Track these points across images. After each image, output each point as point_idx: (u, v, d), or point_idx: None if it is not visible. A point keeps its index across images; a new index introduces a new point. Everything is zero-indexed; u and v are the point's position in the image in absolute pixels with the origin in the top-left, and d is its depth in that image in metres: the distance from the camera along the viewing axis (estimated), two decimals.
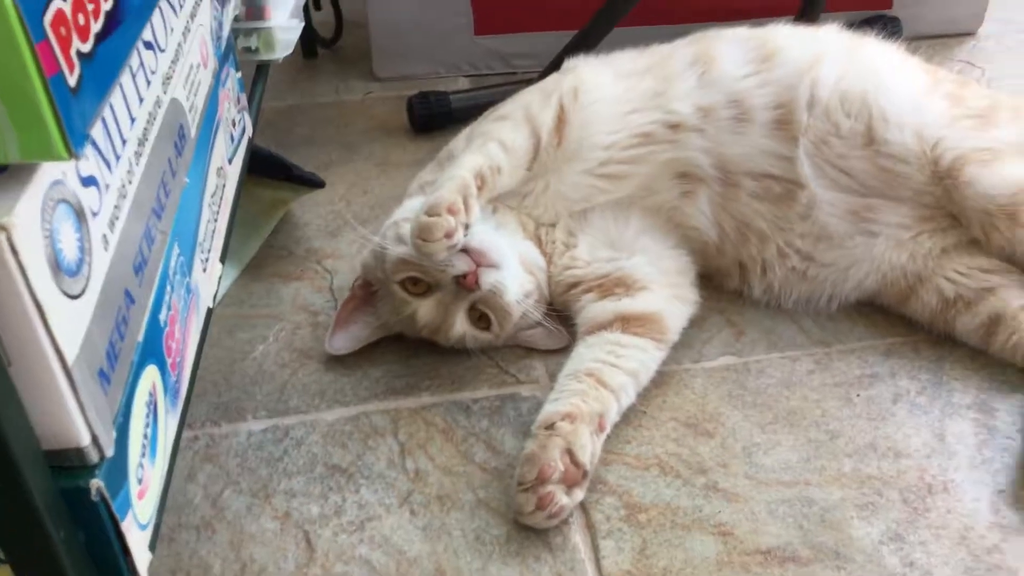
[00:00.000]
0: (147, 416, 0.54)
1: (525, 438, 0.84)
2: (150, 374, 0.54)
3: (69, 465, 0.46)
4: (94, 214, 0.48)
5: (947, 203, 0.96)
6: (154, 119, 0.60)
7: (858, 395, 0.90)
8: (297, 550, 0.76)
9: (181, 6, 0.69)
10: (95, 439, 0.46)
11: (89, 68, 0.45)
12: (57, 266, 0.43)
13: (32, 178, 0.41)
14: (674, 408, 0.89)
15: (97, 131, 0.49)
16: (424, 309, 0.91)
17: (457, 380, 0.94)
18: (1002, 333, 0.91)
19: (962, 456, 0.82)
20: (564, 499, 0.76)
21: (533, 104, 1.01)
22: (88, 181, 0.47)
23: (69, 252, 0.44)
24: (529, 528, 0.77)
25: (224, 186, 0.81)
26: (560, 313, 0.99)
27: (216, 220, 0.77)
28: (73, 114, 0.41)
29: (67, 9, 0.42)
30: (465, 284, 0.88)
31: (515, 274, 0.92)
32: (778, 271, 1.00)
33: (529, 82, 1.12)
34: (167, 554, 0.75)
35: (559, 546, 0.76)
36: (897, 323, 0.99)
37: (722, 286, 1.04)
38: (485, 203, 0.94)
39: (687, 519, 0.78)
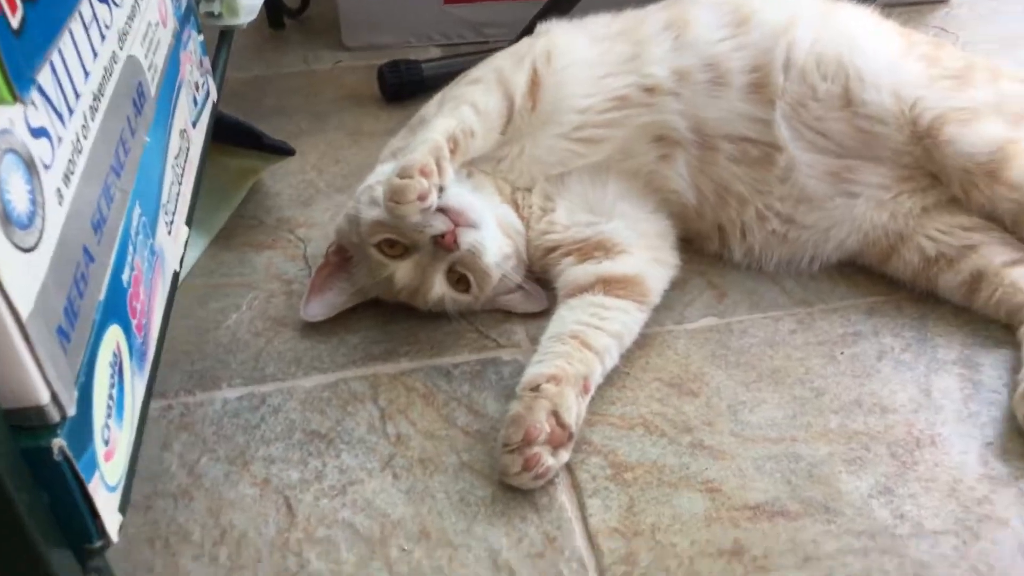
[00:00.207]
0: (112, 377, 0.51)
1: (507, 402, 0.83)
2: (113, 334, 0.52)
3: (29, 425, 0.44)
4: (46, 167, 0.46)
5: (927, 162, 0.96)
6: (110, 75, 0.58)
7: (842, 353, 0.90)
8: (278, 515, 0.74)
9: None
10: (55, 397, 0.44)
11: (33, 11, 0.43)
12: (6, 217, 0.40)
13: None
14: (657, 369, 0.88)
15: (48, 82, 0.47)
16: (402, 271, 0.89)
17: (436, 345, 0.92)
18: (985, 290, 0.91)
19: (948, 410, 0.82)
20: (550, 460, 0.75)
21: (505, 67, 0.99)
22: (39, 132, 0.45)
23: (19, 204, 0.42)
24: (514, 489, 0.76)
25: (188, 149, 0.79)
26: (539, 277, 0.97)
27: (181, 183, 0.74)
28: (16, 56, 0.39)
29: None
30: (444, 244, 0.86)
31: (493, 235, 0.90)
32: (758, 234, 0.99)
33: (501, 50, 1.10)
34: (144, 522, 0.73)
35: (545, 506, 0.75)
36: (879, 282, 0.99)
37: (702, 250, 1.03)
38: (459, 167, 0.92)
39: (674, 477, 0.77)
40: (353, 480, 0.77)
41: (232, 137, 1.07)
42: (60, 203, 0.46)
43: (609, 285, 0.90)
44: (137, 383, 0.57)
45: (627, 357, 0.88)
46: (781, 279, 1.00)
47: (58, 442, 0.44)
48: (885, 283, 0.98)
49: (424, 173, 0.83)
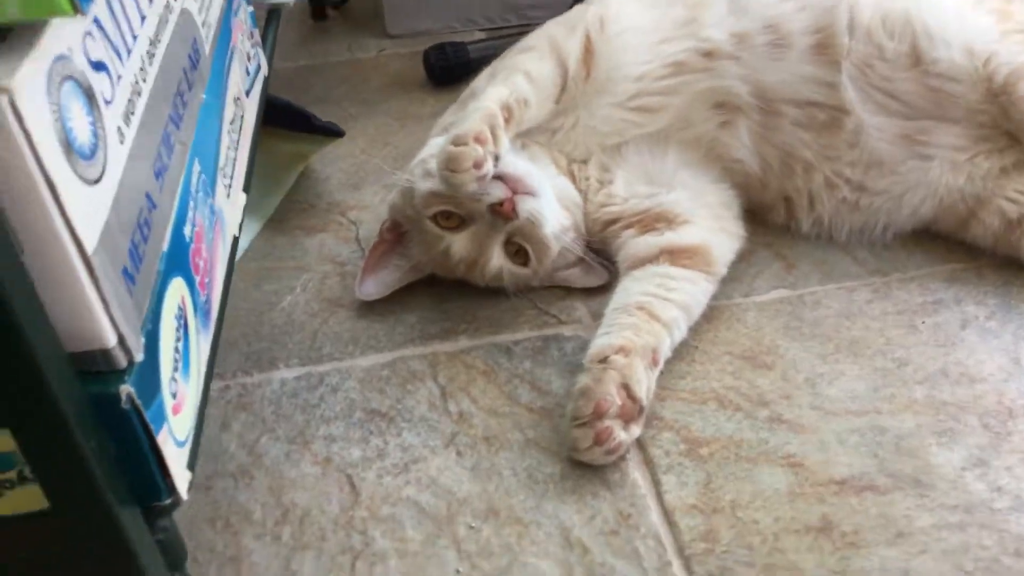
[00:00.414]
0: (178, 330, 0.49)
1: (572, 378, 0.80)
2: (178, 287, 0.50)
3: (96, 370, 0.41)
4: (107, 102, 0.44)
5: (1003, 121, 0.90)
6: (165, 23, 0.56)
7: (923, 322, 0.85)
8: (341, 493, 0.71)
9: None
10: (122, 340, 0.41)
11: None
12: (69, 146, 0.38)
13: (35, 46, 0.37)
14: (727, 342, 0.84)
15: (105, 17, 0.46)
16: (459, 244, 0.86)
17: (495, 323, 0.89)
18: None
19: None
20: (622, 434, 0.71)
21: (558, 35, 0.96)
22: (98, 66, 0.43)
23: (81, 133, 0.40)
24: (584, 465, 0.72)
25: (243, 117, 0.77)
26: (598, 250, 0.94)
27: (237, 149, 0.72)
28: None
29: None
30: (502, 212, 0.83)
31: (552, 205, 0.87)
32: (827, 203, 0.95)
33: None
34: (205, 502, 0.71)
35: (617, 483, 0.71)
36: (956, 249, 0.94)
37: (767, 222, 0.99)
38: (513, 138, 0.89)
39: (752, 452, 0.73)
40: (416, 458, 0.74)
41: (282, 119, 1.06)
42: (121, 142, 0.44)
43: (674, 255, 0.87)
44: (202, 341, 0.55)
45: (695, 330, 0.84)
46: (852, 249, 0.95)
47: (126, 388, 0.41)
48: (964, 250, 0.93)
49: (479, 140, 0.81)
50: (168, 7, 0.56)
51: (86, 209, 0.40)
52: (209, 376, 0.56)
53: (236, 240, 0.68)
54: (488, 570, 0.65)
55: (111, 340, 0.41)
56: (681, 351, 0.82)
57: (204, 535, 0.69)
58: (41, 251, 0.38)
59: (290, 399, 0.81)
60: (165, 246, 0.49)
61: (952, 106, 0.91)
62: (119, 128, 0.45)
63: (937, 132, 0.92)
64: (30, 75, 0.37)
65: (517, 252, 0.88)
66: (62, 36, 0.40)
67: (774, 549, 0.65)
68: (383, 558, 0.66)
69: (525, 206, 0.84)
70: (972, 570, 0.63)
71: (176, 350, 0.49)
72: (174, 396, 0.48)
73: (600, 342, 0.77)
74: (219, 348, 0.62)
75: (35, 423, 0.39)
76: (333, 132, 1.09)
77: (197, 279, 0.54)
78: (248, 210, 0.81)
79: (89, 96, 0.42)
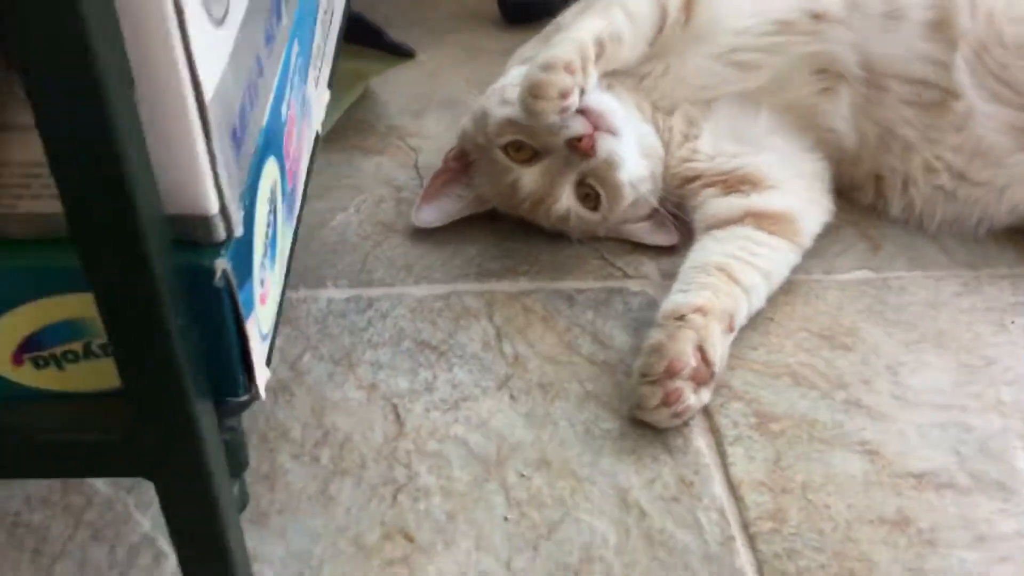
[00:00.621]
0: (269, 214, 0.44)
1: (636, 334, 0.76)
2: (272, 168, 0.45)
3: (191, 239, 0.36)
4: None
5: None
6: None
7: (1012, 322, 0.79)
8: (385, 423, 0.67)
9: None
10: (223, 209, 0.36)
11: None
12: None
13: None
14: (805, 318, 0.79)
15: None
16: (528, 177, 0.81)
17: (558, 268, 0.84)
18: None
19: None
20: (692, 398, 0.67)
21: None
22: None
23: None
24: (644, 426, 0.68)
25: (332, 13, 0.71)
26: (673, 210, 0.88)
27: (326, 43, 0.67)
28: None
29: None
30: (580, 148, 0.77)
31: (632, 149, 0.82)
32: (922, 187, 0.89)
33: None
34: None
35: (679, 448, 0.67)
36: None
37: (854, 200, 0.93)
38: (600, 76, 0.83)
39: (827, 433, 0.68)
40: (466, 396, 0.70)
41: (352, 33, 1.00)
42: None
43: (760, 219, 0.81)
44: (287, 231, 0.50)
45: (772, 301, 0.79)
46: (942, 237, 0.89)
47: (222, 263, 0.36)
48: None
49: (569, 70, 0.75)
50: None
51: (208, 50, 0.34)
52: (288, 272, 0.51)
53: (318, 137, 0.62)
54: (538, 520, 0.61)
55: (214, 207, 0.35)
56: (756, 321, 0.77)
57: None
58: (155, 88, 0.32)
59: (337, 319, 0.76)
60: (264, 121, 0.44)
61: None
62: None
63: None
64: None
65: (588, 195, 0.83)
66: None
67: (846, 538, 0.60)
68: (427, 494, 0.62)
69: (605, 145, 0.79)
70: None
71: (267, 236, 0.44)
72: (262, 284, 0.43)
73: (677, 299, 0.72)
74: None
75: (126, 289, 0.33)
76: (404, 51, 1.04)
77: (287, 166, 0.49)
78: None
79: None
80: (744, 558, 0.59)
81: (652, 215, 0.87)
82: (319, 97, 0.63)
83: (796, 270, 0.83)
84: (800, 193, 0.86)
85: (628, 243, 0.88)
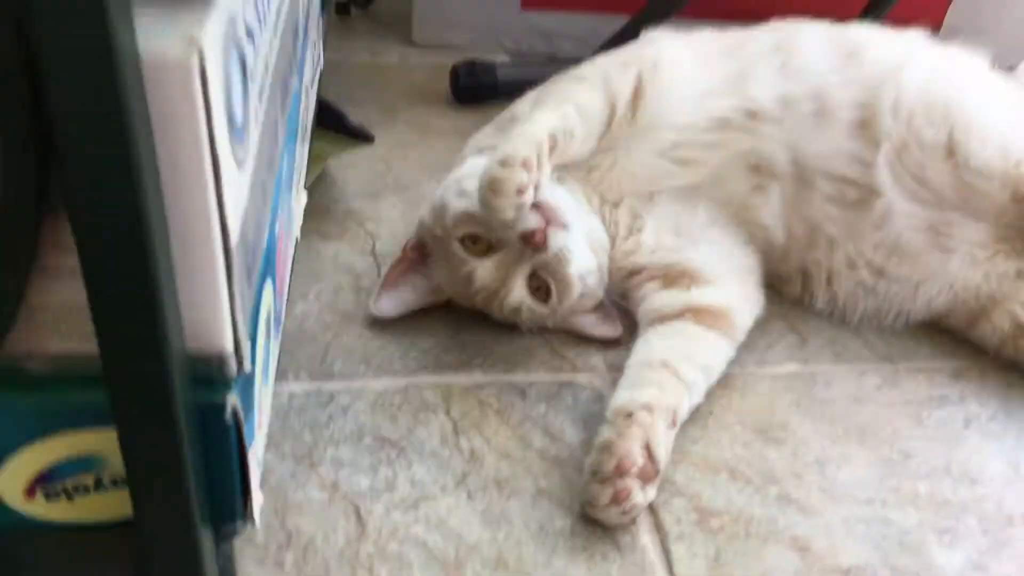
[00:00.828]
0: (266, 338, 0.47)
1: (585, 428, 0.80)
2: (268, 292, 0.48)
3: (206, 376, 0.39)
4: (252, 76, 0.41)
5: None
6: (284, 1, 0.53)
7: (928, 416, 0.86)
8: (347, 524, 0.69)
9: None
10: (237, 346, 0.39)
11: None
12: (232, 121, 0.35)
13: (213, 3, 0.34)
14: (741, 411, 0.85)
15: None
16: (482, 270, 0.85)
17: (510, 360, 0.88)
18: None
19: None
20: (639, 495, 0.71)
21: (612, 71, 0.95)
22: (249, 34, 0.39)
23: (238, 108, 0.36)
24: (594, 522, 0.72)
25: (309, 108, 0.74)
26: (617, 301, 0.93)
27: (304, 142, 0.69)
28: None
29: None
30: (532, 242, 0.82)
31: (582, 245, 0.87)
32: (844, 282, 0.96)
33: (573, 62, 1.05)
34: None
35: (628, 546, 0.71)
36: (962, 345, 0.96)
37: (783, 293, 1.00)
38: (551, 169, 0.88)
39: (762, 529, 0.73)
40: (426, 495, 0.73)
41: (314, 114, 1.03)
42: (256, 124, 0.42)
43: (699, 314, 0.87)
44: (274, 348, 0.52)
45: (710, 394, 0.84)
46: (864, 331, 0.97)
47: (232, 399, 0.39)
48: (968, 347, 0.95)
49: (526, 166, 0.79)
50: None
51: (235, 195, 0.36)
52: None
53: (297, 243, 0.65)
54: None
55: (229, 345, 0.38)
56: (696, 415, 0.83)
57: None
58: (187, 234, 0.35)
59: (299, 414, 0.79)
60: (264, 243, 0.46)
61: (980, 203, 0.93)
62: (255, 108, 0.42)
63: (963, 226, 0.93)
64: (213, 33, 0.33)
65: (539, 288, 0.87)
66: None
67: None
68: None
69: (556, 239, 0.83)
70: None
71: (264, 361, 0.46)
72: (261, 411, 0.45)
73: (624, 395, 0.77)
74: None
75: (149, 425, 0.36)
76: (364, 136, 1.07)
77: (278, 285, 0.52)
78: None
79: (243, 67, 0.39)
80: None
81: (598, 307, 0.92)
82: (299, 203, 0.66)
83: (732, 363, 0.88)
84: (735, 288, 0.92)
85: (575, 335, 0.92)
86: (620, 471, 0.70)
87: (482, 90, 1.32)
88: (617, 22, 1.39)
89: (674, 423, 0.77)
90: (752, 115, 0.94)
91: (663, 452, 0.74)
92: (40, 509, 0.42)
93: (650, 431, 0.73)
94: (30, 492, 0.41)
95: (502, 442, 0.79)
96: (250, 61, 0.40)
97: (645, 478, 0.72)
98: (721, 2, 1.44)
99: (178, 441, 0.36)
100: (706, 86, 0.95)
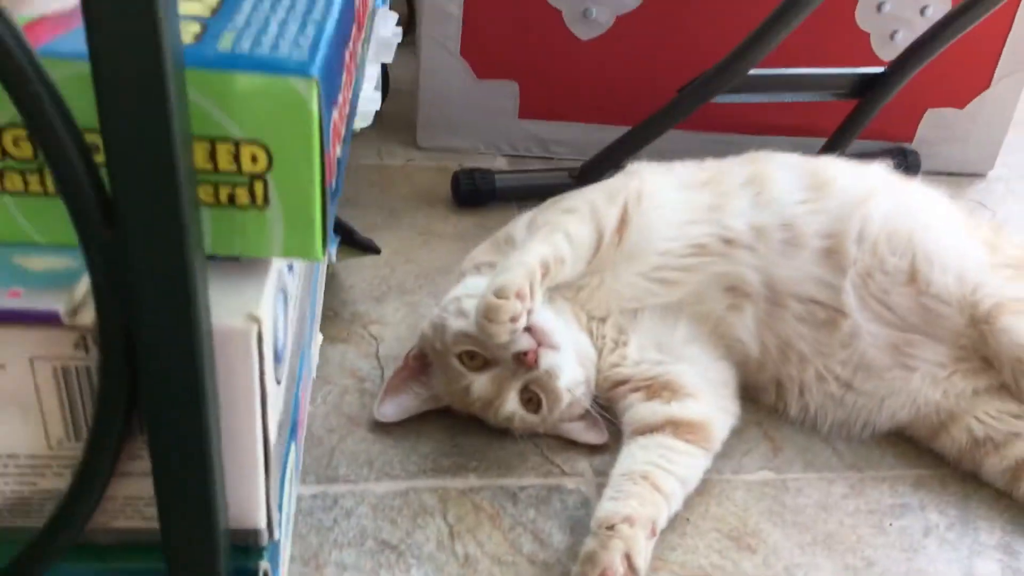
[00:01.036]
0: (289, 495, 0.54)
1: (572, 532, 0.86)
2: (292, 455, 0.55)
3: (242, 545, 0.46)
4: (290, 298, 0.50)
5: (981, 346, 1.01)
6: None
7: (891, 524, 0.93)
8: None
9: None
10: (270, 521, 0.46)
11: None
12: (277, 352, 0.44)
13: (268, 270, 0.42)
14: (716, 518, 0.91)
15: None
16: (479, 384, 0.92)
17: (503, 465, 0.95)
18: None
19: None
20: None
21: (599, 202, 1.04)
22: (291, 265, 0.48)
23: (281, 336, 0.45)
24: None
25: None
26: (603, 409, 1.01)
27: (321, 282, 0.77)
28: (328, 218, 0.43)
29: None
30: (524, 362, 0.89)
31: (570, 360, 0.94)
32: (815, 394, 1.04)
33: (565, 169, 1.14)
34: None
35: None
36: (924, 454, 1.02)
37: (758, 400, 1.07)
38: (544, 291, 0.96)
39: None
40: None
41: None
42: (291, 333, 0.50)
43: (678, 428, 0.94)
44: (295, 493, 0.59)
45: (687, 502, 0.91)
46: (833, 440, 1.04)
47: (264, 565, 0.46)
48: (931, 456, 1.02)
49: (519, 296, 0.87)
50: None
51: (274, 408, 0.45)
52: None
53: (313, 382, 0.73)
54: None
55: (263, 521, 0.46)
56: (675, 521, 0.89)
57: None
58: (237, 443, 0.43)
59: (305, 518, 0.85)
60: (289, 416, 0.54)
61: (940, 325, 1.01)
62: (290, 317, 0.50)
63: (923, 347, 1.01)
64: (268, 300, 0.42)
65: (530, 399, 0.94)
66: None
67: None
68: None
69: (547, 358, 0.91)
70: None
71: (289, 517, 0.53)
72: (283, 556, 0.52)
73: (608, 507, 0.84)
74: None
75: None
76: (371, 249, 1.16)
77: (300, 436, 0.59)
78: None
79: (285, 297, 0.47)
80: None
81: (585, 415, 0.99)
82: (316, 346, 0.73)
83: (709, 468, 0.95)
84: (713, 401, 0.99)
85: (564, 440, 0.99)
86: None
87: (481, 196, 1.42)
88: (605, 131, 1.50)
89: (653, 533, 0.84)
90: (728, 242, 1.03)
91: (642, 562, 0.80)
92: None
93: (630, 543, 0.80)
94: None
95: (494, 547, 0.85)
96: (290, 289, 0.49)
97: None
98: (702, 116, 1.55)
99: None
100: (685, 215, 1.04)
